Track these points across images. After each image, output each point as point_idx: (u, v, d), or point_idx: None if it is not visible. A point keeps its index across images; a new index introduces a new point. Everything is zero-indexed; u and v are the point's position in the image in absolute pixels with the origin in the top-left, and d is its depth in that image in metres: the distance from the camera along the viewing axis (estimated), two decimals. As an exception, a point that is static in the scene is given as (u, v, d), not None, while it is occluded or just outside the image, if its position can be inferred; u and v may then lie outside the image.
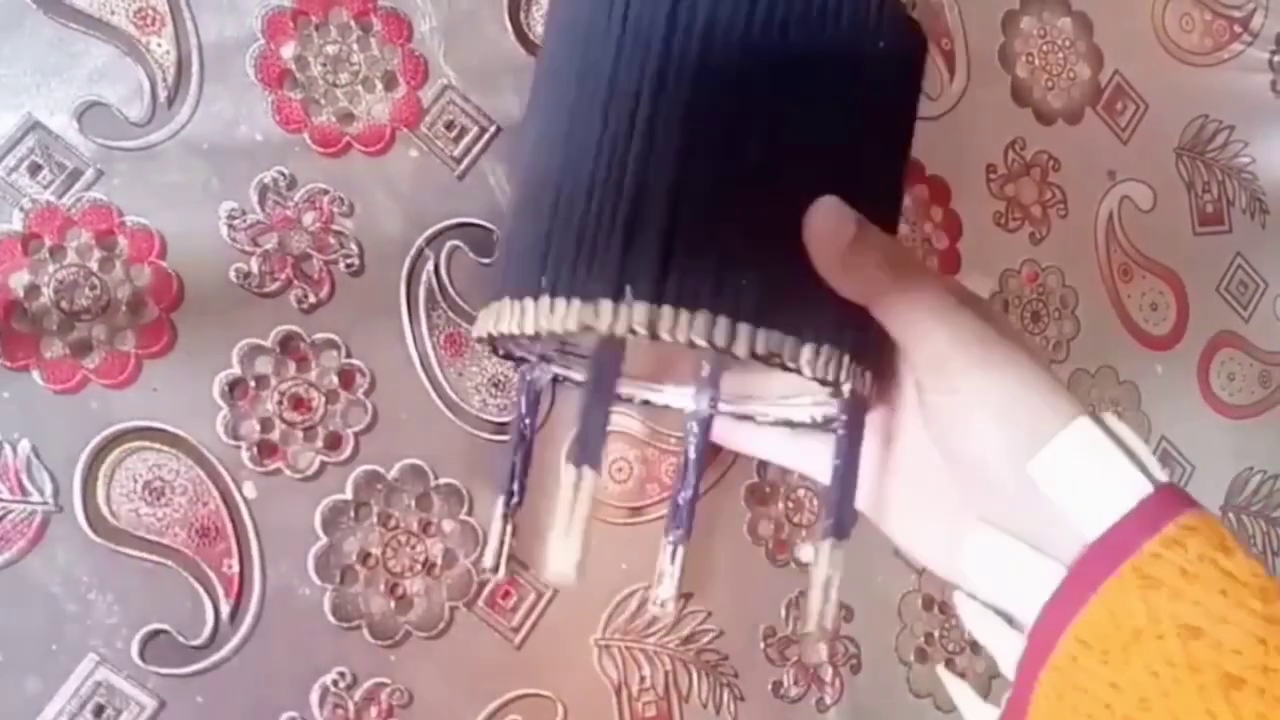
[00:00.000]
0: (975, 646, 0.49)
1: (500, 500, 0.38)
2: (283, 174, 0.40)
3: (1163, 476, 0.26)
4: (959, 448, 0.29)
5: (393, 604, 0.40)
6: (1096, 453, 0.26)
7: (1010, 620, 0.28)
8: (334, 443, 0.40)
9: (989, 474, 0.28)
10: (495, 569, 0.38)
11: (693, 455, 0.36)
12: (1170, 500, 0.26)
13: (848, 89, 0.29)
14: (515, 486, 0.38)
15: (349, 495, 0.40)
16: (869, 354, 0.30)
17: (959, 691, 0.32)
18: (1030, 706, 0.26)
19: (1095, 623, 0.25)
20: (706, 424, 0.37)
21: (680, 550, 0.35)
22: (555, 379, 0.41)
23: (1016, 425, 0.27)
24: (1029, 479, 0.27)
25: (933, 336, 0.28)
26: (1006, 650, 0.28)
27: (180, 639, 0.37)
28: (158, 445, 0.38)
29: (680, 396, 0.40)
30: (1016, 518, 0.28)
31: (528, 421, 0.39)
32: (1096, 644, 0.25)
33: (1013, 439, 0.27)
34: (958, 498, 0.30)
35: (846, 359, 0.29)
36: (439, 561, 0.41)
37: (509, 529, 0.38)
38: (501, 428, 0.42)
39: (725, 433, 0.39)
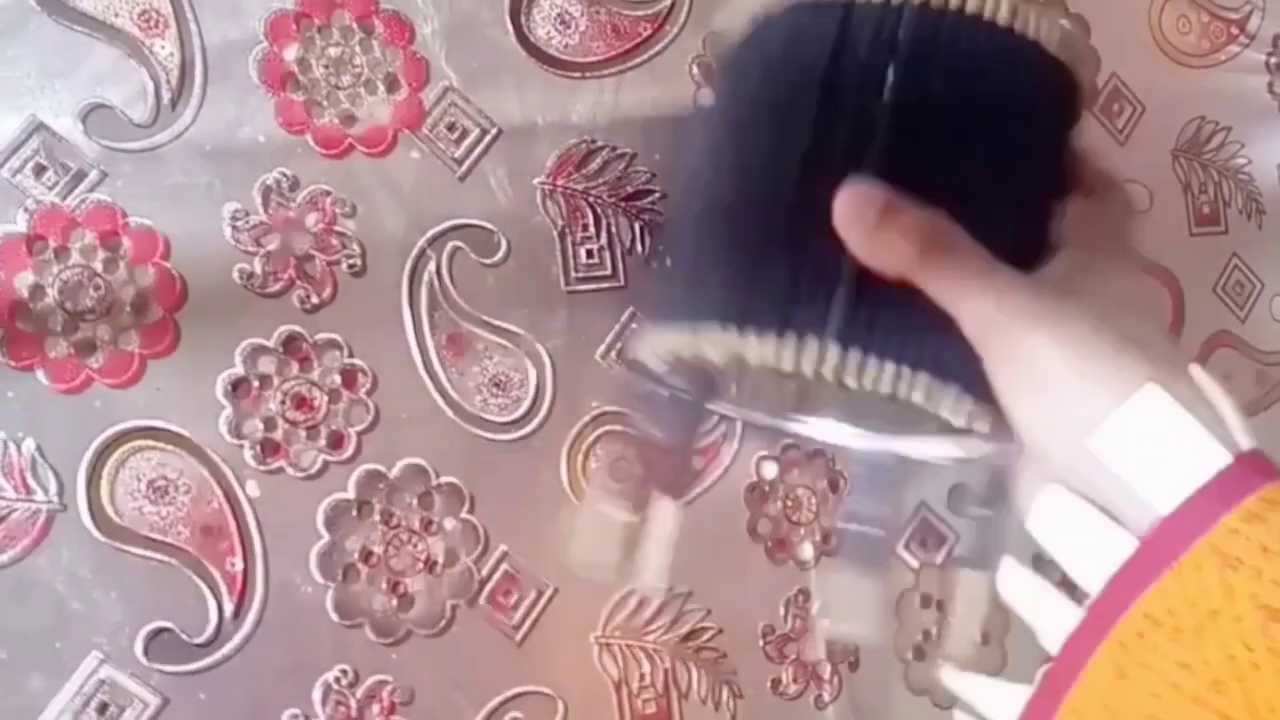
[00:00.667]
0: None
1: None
2: (285, 175, 0.41)
3: (1246, 443, 0.24)
4: (1016, 420, 0.27)
5: (394, 602, 0.40)
6: (1168, 421, 0.24)
7: (1071, 590, 0.27)
8: (336, 442, 0.40)
9: (1051, 445, 0.26)
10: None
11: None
12: (1252, 471, 0.24)
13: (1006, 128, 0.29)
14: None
15: (351, 494, 0.40)
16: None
17: (970, 684, 0.30)
18: (1081, 678, 0.25)
19: (1167, 600, 0.24)
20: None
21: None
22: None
23: (1073, 394, 0.25)
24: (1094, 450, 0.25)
25: (975, 299, 0.27)
26: (1051, 623, 0.26)
27: (184, 636, 0.38)
28: (161, 444, 0.38)
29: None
30: (1087, 483, 0.26)
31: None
32: (1167, 621, 0.23)
33: (1071, 410, 0.25)
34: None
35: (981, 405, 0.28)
36: (440, 560, 0.41)
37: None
38: (502, 427, 0.43)
39: None
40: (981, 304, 0.27)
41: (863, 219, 0.27)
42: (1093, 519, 0.26)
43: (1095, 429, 0.25)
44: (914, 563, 0.49)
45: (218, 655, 0.38)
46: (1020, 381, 0.26)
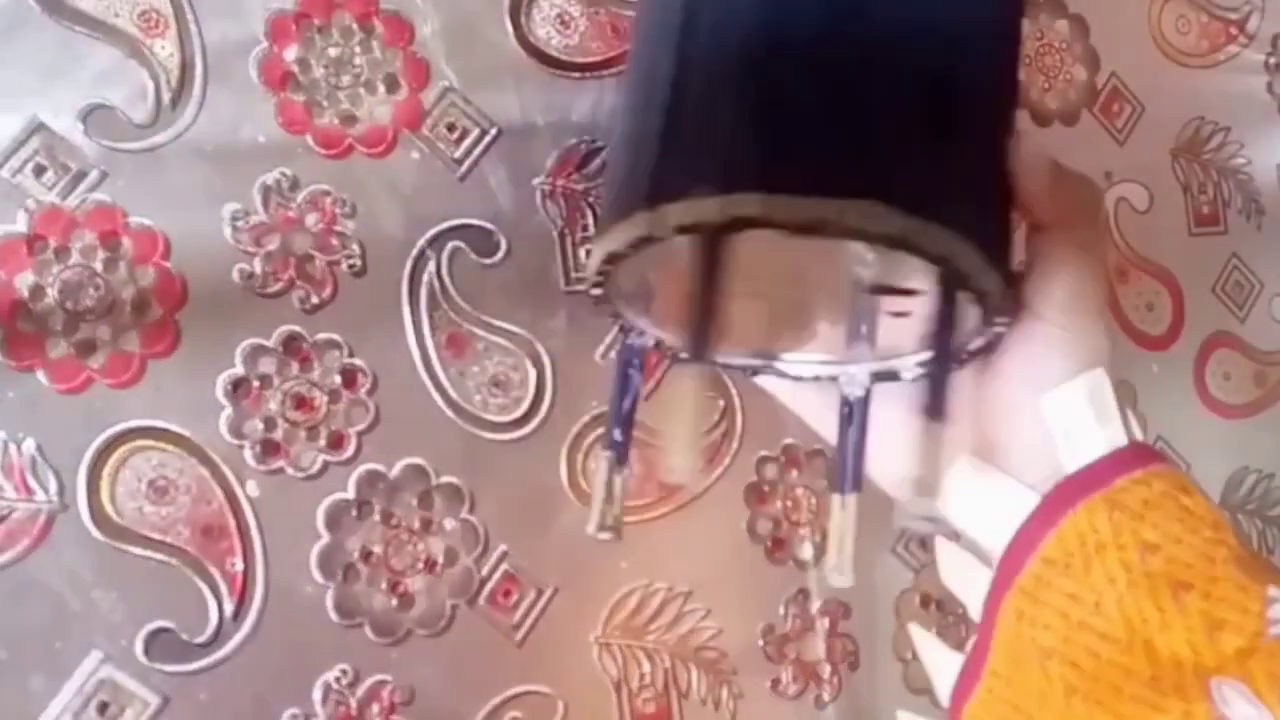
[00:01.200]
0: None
1: (607, 457, 0.34)
2: (285, 175, 0.41)
3: (1140, 437, 0.29)
4: (1027, 374, 0.30)
5: (394, 601, 0.41)
6: (1100, 404, 0.29)
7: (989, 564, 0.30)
8: (336, 442, 0.40)
9: (1030, 406, 0.30)
10: (604, 528, 0.33)
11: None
12: (1145, 453, 0.29)
13: None
14: (622, 439, 0.34)
15: (351, 494, 0.40)
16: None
17: (926, 643, 0.34)
18: (994, 634, 0.28)
19: (1063, 542, 0.27)
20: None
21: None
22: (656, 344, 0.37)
23: (1058, 364, 0.30)
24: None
25: (1082, 273, 0.30)
26: (979, 593, 0.29)
27: (184, 636, 0.38)
28: (162, 444, 0.38)
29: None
30: (1021, 459, 0.30)
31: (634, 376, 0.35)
32: (1061, 559, 0.27)
33: (1044, 373, 0.30)
34: (966, 432, 0.31)
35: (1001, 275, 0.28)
36: (440, 559, 0.41)
37: (618, 486, 0.33)
38: (502, 427, 0.43)
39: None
40: (1081, 276, 0.30)
41: (1037, 173, 0.30)
42: (1001, 482, 0.29)
43: (1051, 391, 0.29)
44: (913, 563, 0.49)
45: (218, 655, 0.38)
46: (1063, 349, 0.30)
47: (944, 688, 0.32)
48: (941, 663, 0.32)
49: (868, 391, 0.34)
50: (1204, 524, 0.27)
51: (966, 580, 0.31)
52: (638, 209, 0.27)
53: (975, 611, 0.30)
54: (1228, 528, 0.27)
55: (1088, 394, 0.29)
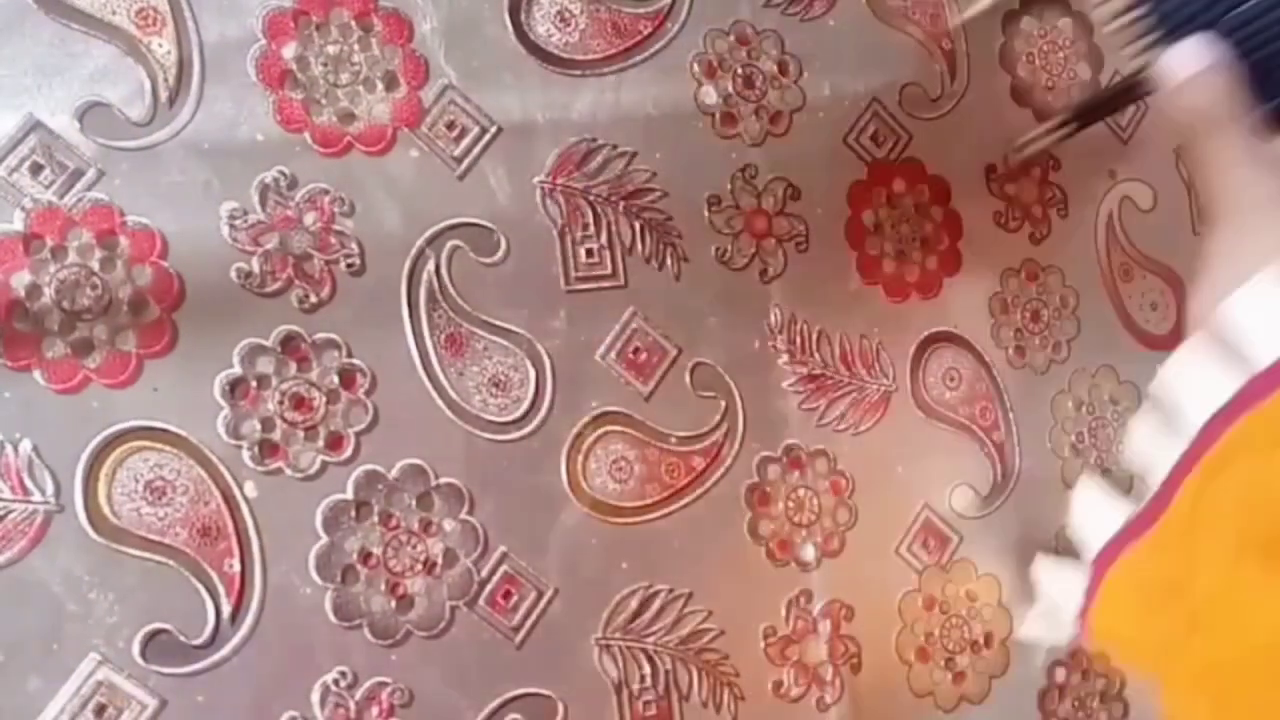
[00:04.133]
0: (975, 646, 0.49)
1: None
2: (284, 174, 0.41)
3: None
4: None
5: (393, 603, 0.40)
6: None
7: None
8: (335, 442, 0.40)
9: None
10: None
11: None
12: None
13: None
14: None
15: (350, 495, 0.40)
16: None
17: (1093, 489, 0.35)
18: (1173, 502, 0.29)
19: (1257, 420, 0.27)
20: None
21: None
22: None
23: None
24: None
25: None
26: (1166, 461, 0.30)
27: (181, 638, 0.38)
28: (159, 445, 0.38)
29: None
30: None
31: None
32: (1259, 437, 0.27)
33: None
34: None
35: None
36: (440, 561, 0.41)
37: None
38: (501, 427, 0.43)
39: None
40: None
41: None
42: (1211, 363, 0.29)
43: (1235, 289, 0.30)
44: (917, 564, 0.49)
45: (216, 657, 0.38)
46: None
47: (1097, 538, 0.33)
48: (1103, 513, 0.33)
49: None
50: None
51: (1156, 446, 0.31)
52: None
53: (1157, 480, 0.31)
54: None
55: (1269, 293, 0.29)
